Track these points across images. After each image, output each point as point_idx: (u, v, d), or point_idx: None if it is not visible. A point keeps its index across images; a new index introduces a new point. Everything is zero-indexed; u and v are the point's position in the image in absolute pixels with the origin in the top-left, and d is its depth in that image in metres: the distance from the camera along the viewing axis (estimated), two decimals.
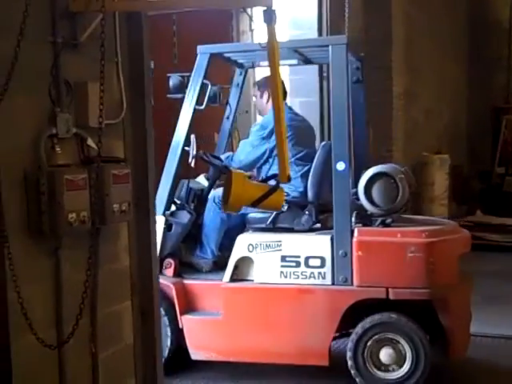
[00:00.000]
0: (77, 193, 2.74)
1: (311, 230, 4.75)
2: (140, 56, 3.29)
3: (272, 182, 3.87)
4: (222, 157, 5.24)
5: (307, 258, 4.59)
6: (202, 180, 5.36)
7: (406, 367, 4.45)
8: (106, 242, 3.10)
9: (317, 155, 4.93)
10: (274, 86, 4.30)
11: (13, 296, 2.51)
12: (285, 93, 5.10)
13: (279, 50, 4.09)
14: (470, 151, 12.76)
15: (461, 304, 4.62)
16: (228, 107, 5.47)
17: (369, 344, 4.49)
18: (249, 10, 5.95)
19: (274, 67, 4.21)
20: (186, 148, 4.96)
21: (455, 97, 12.27)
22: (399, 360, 4.46)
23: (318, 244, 4.60)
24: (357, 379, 4.50)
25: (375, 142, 7.99)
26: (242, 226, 5.04)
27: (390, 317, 4.47)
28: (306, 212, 4.78)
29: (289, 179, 4.41)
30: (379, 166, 4.71)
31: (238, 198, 4.25)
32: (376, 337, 4.49)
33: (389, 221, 4.54)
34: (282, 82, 5.10)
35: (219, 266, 5.06)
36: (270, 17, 4.03)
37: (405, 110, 8.81)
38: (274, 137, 4.78)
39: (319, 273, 4.55)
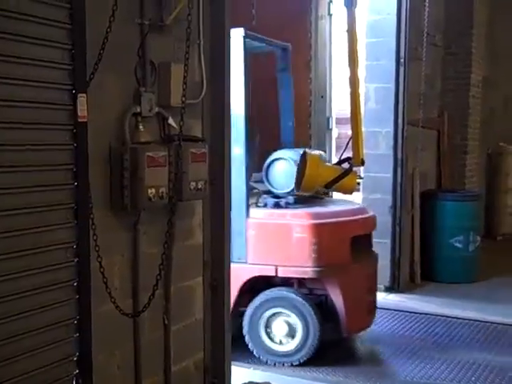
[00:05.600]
0: (157, 169, 2.85)
1: None
2: (221, 38, 3.36)
3: None
4: None
5: None
6: None
7: (297, 340, 4.65)
8: (182, 219, 3.21)
9: None
10: (352, 70, 4.32)
11: (95, 265, 2.64)
12: None
13: (357, 35, 4.11)
14: None
15: (353, 284, 4.73)
16: None
17: (263, 318, 4.70)
18: None
19: (353, 51, 4.24)
20: None
21: None
22: (291, 333, 4.67)
23: None
24: (254, 351, 4.73)
25: (450, 130, 7.85)
26: None
27: (281, 293, 4.71)
28: None
29: (362, 163, 4.44)
30: (281, 151, 4.92)
31: (311, 180, 4.31)
32: (269, 311, 4.70)
33: (283, 202, 4.72)
34: None
35: None
36: (350, 0, 4.06)
37: (482, 98, 8.60)
38: None
39: None
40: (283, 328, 4.67)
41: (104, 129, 2.73)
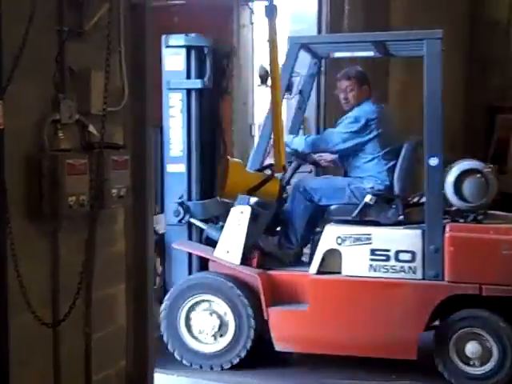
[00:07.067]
0: (77, 177, 2.82)
1: (397, 223, 4.75)
2: (142, 45, 3.36)
3: None
4: (290, 137, 5.12)
5: (397, 252, 4.60)
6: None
7: (492, 364, 4.49)
8: (104, 226, 3.18)
9: (403, 149, 4.93)
10: (273, 78, 4.39)
11: (12, 274, 2.59)
12: None
13: (278, 44, 4.19)
14: (465, 150, 12.83)
15: None
16: (300, 97, 5.44)
17: (456, 338, 4.52)
18: (250, 3, 6.02)
19: (274, 60, 4.31)
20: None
21: (451, 96, 12.30)
22: (485, 356, 4.50)
23: (409, 238, 4.61)
24: (444, 373, 4.55)
25: None
26: (319, 216, 5.04)
27: (480, 313, 4.51)
28: (393, 206, 4.78)
29: (284, 169, 4.52)
30: (467, 162, 4.72)
31: (234, 186, 4.35)
32: (463, 331, 4.51)
33: (480, 217, 4.57)
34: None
35: (299, 256, 5.07)
36: (271, 11, 4.14)
37: (399, 107, 8.87)
38: (367, 130, 4.85)
39: (409, 267, 4.57)
40: (477, 350, 4.51)
41: (22, 136, 2.68)
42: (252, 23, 6.12)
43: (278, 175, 4.51)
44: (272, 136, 4.62)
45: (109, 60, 2.80)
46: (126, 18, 3.24)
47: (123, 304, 3.45)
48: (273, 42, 4.22)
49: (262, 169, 4.70)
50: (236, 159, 4.78)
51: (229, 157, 4.75)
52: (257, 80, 5.16)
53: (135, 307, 3.53)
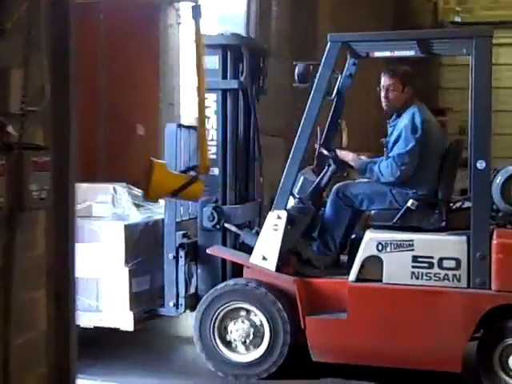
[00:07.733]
0: None
1: (440, 229, 4.64)
2: (65, 43, 3.28)
3: None
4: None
5: (441, 260, 4.48)
6: (309, 172, 5.17)
7: None
8: (24, 229, 3.09)
9: (448, 152, 4.82)
10: (199, 79, 4.38)
11: None
12: None
13: (204, 44, 4.19)
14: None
15: None
16: (338, 99, 5.30)
17: (500, 349, 4.43)
18: (176, 4, 5.98)
19: (199, 61, 4.30)
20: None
21: (371, 100, 12.55)
22: None
23: (454, 245, 4.50)
24: None
25: None
26: (357, 221, 4.94)
27: None
28: (436, 211, 4.66)
29: (207, 170, 4.49)
30: None
31: (158, 187, 4.30)
32: (508, 342, 4.43)
33: None
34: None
35: (337, 262, 4.96)
36: (196, 12, 4.13)
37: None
38: (426, 135, 4.71)
39: (454, 275, 4.44)
40: None
41: None
42: (179, 23, 6.08)
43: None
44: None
45: (28, 58, 2.71)
46: (48, 15, 3.16)
47: (44, 308, 3.36)
48: (198, 43, 4.21)
49: (186, 170, 4.66)
50: (160, 160, 4.72)
51: (152, 158, 4.69)
52: (184, 80, 5.12)
53: (57, 312, 3.44)
